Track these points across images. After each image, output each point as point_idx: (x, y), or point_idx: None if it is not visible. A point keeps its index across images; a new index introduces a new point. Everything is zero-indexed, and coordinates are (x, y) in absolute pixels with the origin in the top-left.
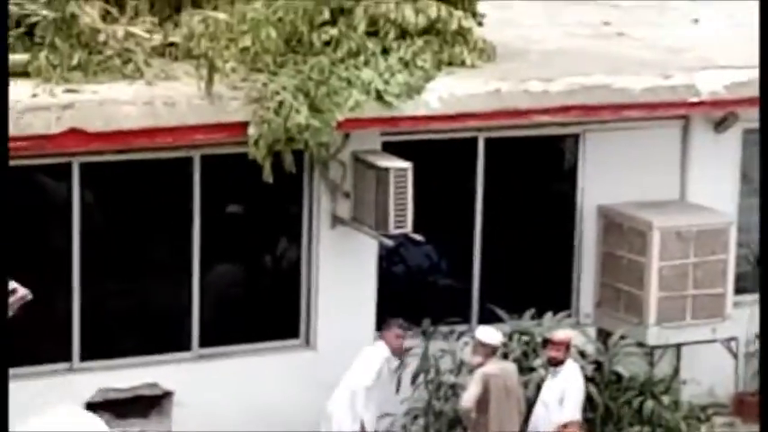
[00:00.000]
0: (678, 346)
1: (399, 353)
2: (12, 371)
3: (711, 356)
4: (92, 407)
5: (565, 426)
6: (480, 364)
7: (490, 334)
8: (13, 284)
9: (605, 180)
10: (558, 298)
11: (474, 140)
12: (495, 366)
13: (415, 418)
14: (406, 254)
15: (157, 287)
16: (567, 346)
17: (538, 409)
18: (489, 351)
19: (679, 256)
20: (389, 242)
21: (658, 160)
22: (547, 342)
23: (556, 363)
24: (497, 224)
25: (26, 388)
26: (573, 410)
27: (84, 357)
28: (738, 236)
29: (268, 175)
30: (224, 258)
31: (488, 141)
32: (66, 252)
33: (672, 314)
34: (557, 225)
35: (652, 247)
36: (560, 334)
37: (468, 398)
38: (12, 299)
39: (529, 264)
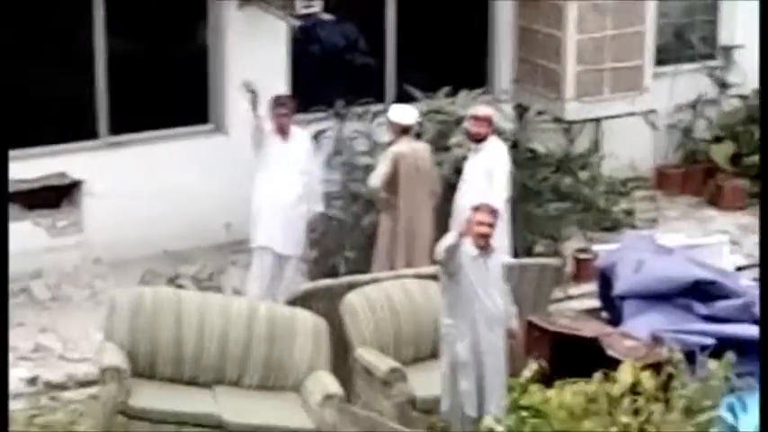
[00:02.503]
0: (597, 121)
1: (283, 130)
2: None
3: (631, 130)
4: None
5: (477, 207)
6: (391, 143)
7: (402, 113)
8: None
9: None
10: (474, 75)
11: None
12: (405, 145)
13: (331, 200)
14: (322, 33)
15: (62, 74)
16: (489, 121)
17: (462, 187)
18: (400, 130)
19: (596, 28)
20: (297, 22)
21: None
22: (461, 120)
23: (479, 139)
24: (411, 1)
25: None
26: (501, 186)
27: None
28: (658, 5)
29: None
30: (129, 43)
31: None
32: None
33: (590, 88)
34: (461, 1)
35: (569, 19)
36: (484, 109)
37: (376, 176)
38: None
39: (444, 41)
